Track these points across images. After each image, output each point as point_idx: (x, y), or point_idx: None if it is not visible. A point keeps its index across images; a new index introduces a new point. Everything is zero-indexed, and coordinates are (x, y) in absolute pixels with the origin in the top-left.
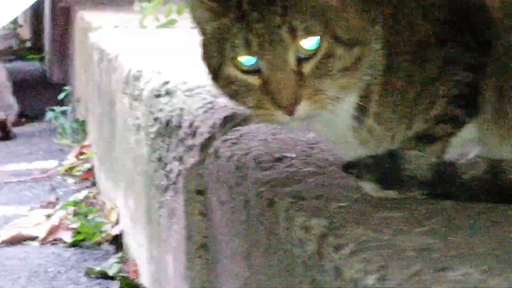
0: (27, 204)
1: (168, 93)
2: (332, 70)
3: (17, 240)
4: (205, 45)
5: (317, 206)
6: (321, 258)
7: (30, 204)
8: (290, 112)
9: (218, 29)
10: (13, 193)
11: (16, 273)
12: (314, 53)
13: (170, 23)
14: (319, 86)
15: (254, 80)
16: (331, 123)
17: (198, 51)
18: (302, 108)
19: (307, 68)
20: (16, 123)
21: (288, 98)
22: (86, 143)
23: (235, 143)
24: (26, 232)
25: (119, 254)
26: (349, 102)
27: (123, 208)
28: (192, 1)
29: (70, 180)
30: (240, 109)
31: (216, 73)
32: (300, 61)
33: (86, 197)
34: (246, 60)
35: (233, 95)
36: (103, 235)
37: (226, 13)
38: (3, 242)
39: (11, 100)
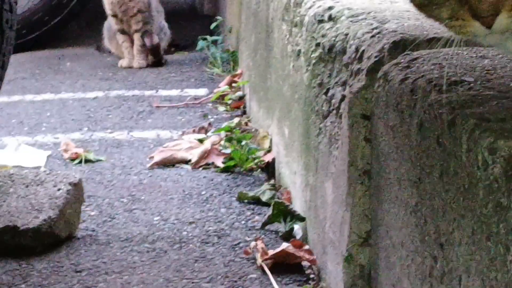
0: (180, 129)
1: (332, 18)
2: None
3: (170, 163)
4: None
5: (503, 127)
6: (508, 180)
7: (182, 129)
8: (488, 23)
9: None
10: (166, 118)
11: (169, 195)
12: None
13: None
14: None
15: None
16: None
17: None
18: (503, 19)
19: None
20: (167, 52)
21: (488, 6)
22: (237, 72)
23: (407, 67)
24: (179, 155)
25: (271, 181)
26: None
27: (276, 136)
28: None
29: (221, 108)
30: (411, 34)
31: None
32: None
33: (238, 124)
34: None
35: (424, 6)
36: (255, 161)
37: None
38: (156, 163)
39: (164, 24)
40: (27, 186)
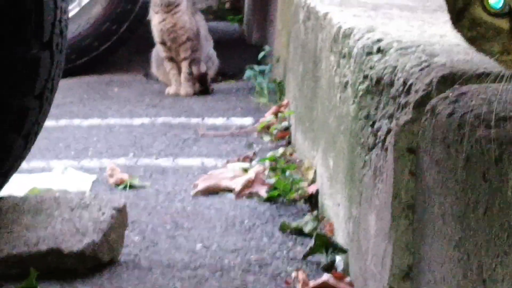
0: (224, 157)
1: (380, 50)
2: None
3: (213, 191)
4: None
5: None
6: None
7: (227, 157)
8: None
9: None
10: (211, 146)
11: (212, 222)
12: None
13: None
14: None
15: (502, 23)
16: None
17: (408, 13)
18: None
19: None
20: (214, 80)
21: None
22: (283, 102)
23: (455, 101)
24: (223, 183)
25: (314, 213)
26: None
27: (321, 167)
28: None
29: (266, 138)
30: (460, 68)
31: (459, 15)
32: None
33: (283, 154)
34: (496, 1)
35: (475, 40)
36: (299, 192)
37: None
38: (200, 191)
39: (213, 53)
40: (72, 210)
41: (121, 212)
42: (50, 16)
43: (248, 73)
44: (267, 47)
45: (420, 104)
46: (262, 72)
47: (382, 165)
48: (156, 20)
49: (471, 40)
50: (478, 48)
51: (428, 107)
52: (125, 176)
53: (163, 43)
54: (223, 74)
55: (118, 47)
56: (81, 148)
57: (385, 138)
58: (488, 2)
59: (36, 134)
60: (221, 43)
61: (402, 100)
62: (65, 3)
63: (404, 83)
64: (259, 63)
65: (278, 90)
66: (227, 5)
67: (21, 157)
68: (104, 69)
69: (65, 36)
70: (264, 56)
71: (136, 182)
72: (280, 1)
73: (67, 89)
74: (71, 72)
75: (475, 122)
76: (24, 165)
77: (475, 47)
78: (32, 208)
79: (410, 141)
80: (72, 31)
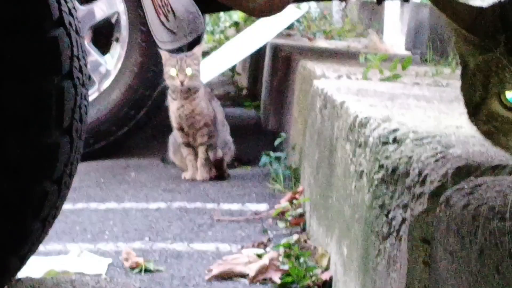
0: (239, 243)
1: (396, 140)
2: None
3: (227, 276)
4: (467, 78)
5: None
6: None
7: (242, 243)
8: None
9: (485, 62)
10: (226, 231)
11: None
12: None
13: (394, 77)
14: None
15: None
16: None
17: (425, 103)
18: None
19: None
20: (230, 166)
21: None
22: (298, 189)
23: (470, 193)
24: (237, 269)
25: None
26: None
27: (335, 255)
28: (455, 36)
29: (281, 224)
30: (475, 160)
31: (476, 108)
32: None
33: (297, 241)
34: None
35: (492, 134)
36: (313, 279)
37: (495, 47)
38: (214, 276)
39: (229, 139)
40: None
41: None
42: (71, 103)
43: (264, 159)
44: (283, 134)
45: (435, 194)
46: (278, 159)
47: (396, 254)
48: (174, 107)
49: (487, 134)
50: (494, 142)
51: (443, 198)
52: (140, 260)
53: (180, 129)
54: (239, 160)
55: (136, 132)
56: (97, 231)
57: (399, 228)
58: (505, 96)
59: (54, 217)
60: (238, 129)
61: (417, 190)
62: (85, 89)
63: (420, 173)
64: (275, 149)
65: (294, 176)
66: (244, 92)
67: (38, 240)
68: (121, 153)
69: (85, 122)
70: (280, 143)
71: (151, 266)
72: (296, 89)
73: (85, 173)
74: (88, 156)
75: (489, 214)
76: (41, 247)
77: (491, 141)
78: None
79: (424, 231)
80: (91, 115)
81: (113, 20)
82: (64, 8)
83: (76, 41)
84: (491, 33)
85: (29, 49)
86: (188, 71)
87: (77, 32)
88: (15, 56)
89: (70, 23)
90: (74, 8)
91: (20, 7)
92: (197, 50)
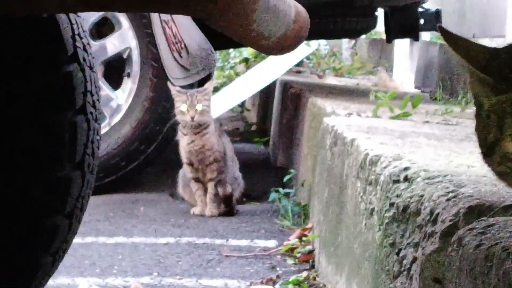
0: (248, 279)
1: (407, 179)
2: None
3: None
4: (481, 118)
5: None
6: None
7: (250, 279)
8: None
9: (499, 103)
10: (235, 267)
11: None
12: None
13: (405, 115)
14: None
15: None
16: None
17: (435, 142)
18: None
19: None
20: (239, 202)
21: None
22: (307, 226)
23: (482, 233)
24: None
25: None
26: None
27: None
28: (469, 76)
29: (290, 261)
30: (487, 200)
31: (490, 149)
32: None
33: (306, 278)
34: None
35: (506, 174)
36: None
37: (510, 88)
38: None
39: (238, 175)
40: None
41: None
42: (83, 137)
43: (273, 195)
44: (292, 171)
45: (447, 234)
46: (287, 195)
47: None
48: (184, 142)
49: (501, 175)
50: (508, 183)
51: (455, 237)
52: None
53: (190, 164)
54: (248, 196)
55: (145, 166)
56: (106, 266)
57: (410, 267)
58: None
59: (64, 251)
60: (247, 165)
61: (429, 229)
62: (98, 124)
63: (431, 212)
64: (284, 186)
65: (303, 213)
66: (254, 127)
67: (48, 274)
68: (130, 187)
69: (96, 157)
70: (289, 179)
71: None
72: (306, 125)
73: (94, 207)
74: (98, 190)
75: (502, 254)
76: (50, 281)
77: (505, 182)
78: None
79: (436, 271)
80: (101, 149)
81: (125, 56)
82: (79, 44)
83: (90, 76)
84: (506, 74)
85: (43, 84)
86: (199, 107)
87: (91, 68)
88: (30, 90)
89: (84, 59)
90: (88, 44)
91: (35, 43)
92: (209, 85)
